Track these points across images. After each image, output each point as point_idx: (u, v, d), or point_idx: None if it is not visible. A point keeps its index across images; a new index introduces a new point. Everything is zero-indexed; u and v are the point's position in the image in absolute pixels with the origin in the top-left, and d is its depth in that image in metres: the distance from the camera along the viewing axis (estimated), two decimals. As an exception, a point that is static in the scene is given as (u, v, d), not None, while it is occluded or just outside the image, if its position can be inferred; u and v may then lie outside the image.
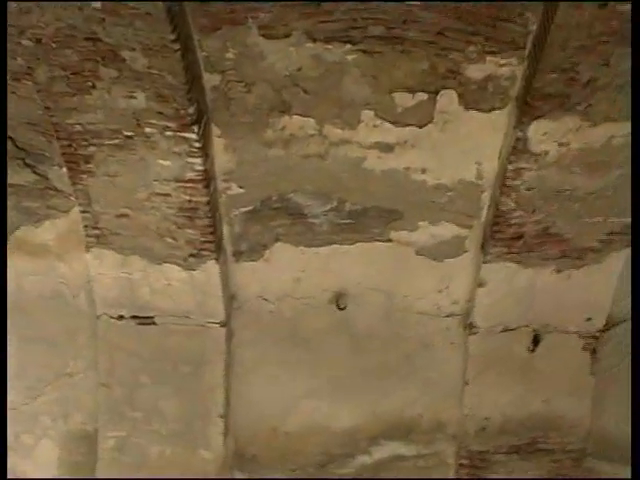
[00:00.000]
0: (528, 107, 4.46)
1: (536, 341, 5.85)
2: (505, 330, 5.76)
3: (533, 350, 5.89)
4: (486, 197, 5.15)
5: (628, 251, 5.44)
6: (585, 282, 5.56)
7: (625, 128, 4.62)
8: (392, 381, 6.09)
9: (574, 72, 4.23)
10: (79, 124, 4.72)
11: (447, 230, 5.35)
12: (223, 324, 5.67)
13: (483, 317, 5.69)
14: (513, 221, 5.10)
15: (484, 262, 5.36)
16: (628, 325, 6.07)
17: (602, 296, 5.71)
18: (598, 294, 5.69)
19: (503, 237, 5.20)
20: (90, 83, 4.48)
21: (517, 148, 4.67)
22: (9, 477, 5.63)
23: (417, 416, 6.26)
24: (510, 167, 4.78)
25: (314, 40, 4.39)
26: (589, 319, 5.81)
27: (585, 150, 4.73)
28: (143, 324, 5.68)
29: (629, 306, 5.99)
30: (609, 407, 6.01)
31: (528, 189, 4.91)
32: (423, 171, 5.03)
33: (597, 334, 5.91)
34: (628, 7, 3.94)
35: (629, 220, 5.22)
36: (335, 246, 5.42)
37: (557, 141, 4.64)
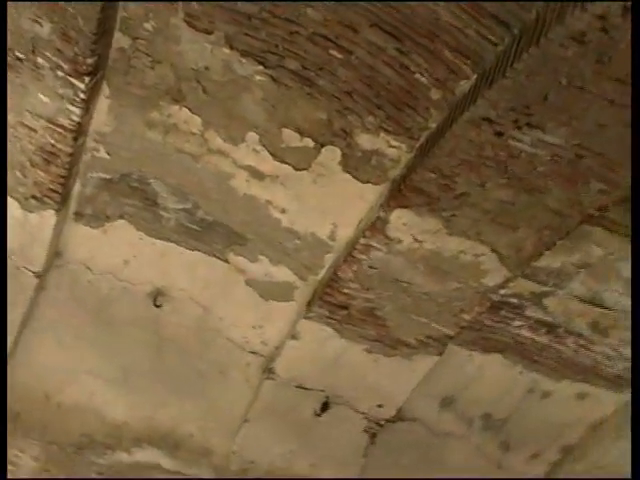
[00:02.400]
0: (399, 194, 4.55)
1: (324, 407, 5.94)
2: (299, 387, 5.81)
3: (319, 415, 5.98)
4: (330, 258, 5.23)
5: (438, 359, 5.62)
6: (389, 371, 5.68)
7: (476, 249, 4.80)
8: (179, 393, 6.06)
9: (451, 181, 4.36)
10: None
11: (283, 274, 5.39)
12: (38, 275, 5.51)
13: (284, 368, 5.73)
14: (346, 290, 5.18)
15: (305, 317, 5.41)
16: (412, 425, 6.28)
17: (400, 390, 5.85)
18: (397, 387, 5.83)
19: (331, 301, 5.27)
20: (1, -6, 4.33)
21: (375, 226, 4.76)
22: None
23: (189, 435, 6.25)
24: (362, 241, 4.86)
25: (232, 47, 4.37)
26: (380, 406, 5.94)
27: (435, 254, 4.86)
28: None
29: (421, 408, 6.20)
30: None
31: (370, 267, 5.00)
32: (282, 211, 5.07)
33: (382, 422, 6.05)
34: (522, 145, 4.12)
35: (451, 332, 5.43)
36: (174, 245, 5.37)
37: (413, 235, 4.75)
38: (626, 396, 6.09)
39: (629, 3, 3.36)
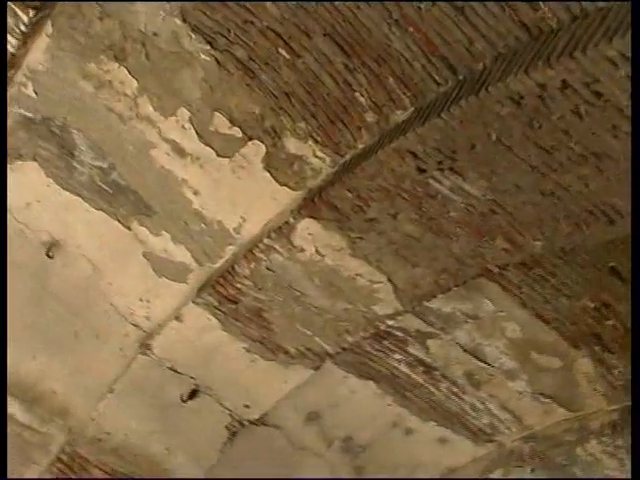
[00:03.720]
0: (312, 204, 4.57)
1: (192, 395, 5.91)
2: (172, 369, 5.77)
3: (185, 401, 5.94)
4: (231, 250, 5.21)
5: (313, 373, 5.65)
6: (263, 375, 5.69)
7: (374, 275, 4.85)
8: (51, 349, 5.95)
9: (365, 204, 4.40)
10: None
11: (181, 254, 5.34)
12: None
13: (161, 347, 5.68)
14: (238, 285, 5.16)
15: (193, 302, 5.38)
16: (274, 432, 6.28)
17: (269, 395, 5.87)
18: (267, 391, 5.84)
19: (222, 292, 5.25)
20: None
21: (282, 230, 4.76)
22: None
23: (51, 391, 6.14)
24: (266, 241, 4.86)
25: (184, 20, 4.33)
26: (247, 406, 5.95)
27: (333, 270, 4.89)
28: None
29: (286, 418, 6.22)
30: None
31: (268, 268, 5.00)
32: (195, 193, 5.03)
33: (245, 422, 6.05)
34: (440, 187, 4.19)
35: (332, 350, 5.48)
36: (80, 200, 5.26)
37: (317, 247, 4.78)
38: (483, 449, 6.23)
39: (570, 80, 3.46)
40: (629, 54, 3.27)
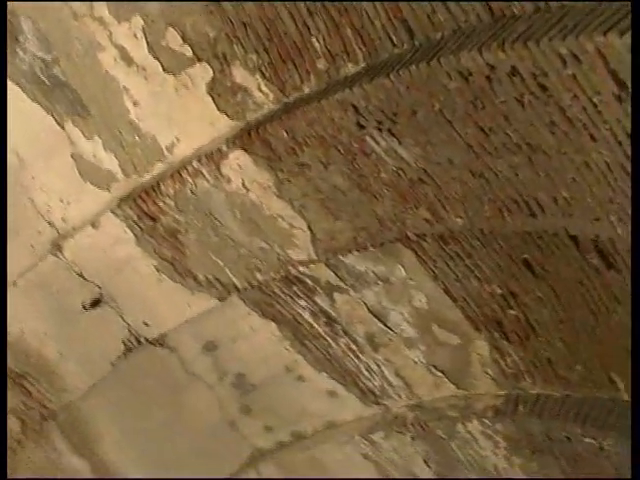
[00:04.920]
0: (248, 137, 4.57)
1: (94, 304, 5.89)
2: (79, 275, 5.74)
3: (86, 309, 5.92)
4: (159, 168, 5.15)
5: (218, 304, 5.70)
6: (168, 296, 5.72)
7: (295, 220, 4.89)
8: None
9: (299, 148, 4.43)
10: None
11: (109, 162, 5.25)
12: None
13: (72, 250, 5.64)
14: (160, 204, 5.14)
15: (112, 211, 5.34)
16: (169, 355, 6.31)
17: (171, 317, 5.91)
18: (169, 313, 5.88)
19: (142, 208, 5.22)
20: None
21: (213, 157, 4.75)
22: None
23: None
24: (195, 164, 4.85)
25: None
26: (146, 324, 5.96)
27: (256, 207, 4.92)
28: None
29: (184, 343, 6.24)
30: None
31: (192, 192, 4.99)
32: (135, 103, 4.94)
33: (142, 340, 6.07)
34: (376, 146, 4.22)
35: (240, 284, 5.51)
36: (18, 89, 5.08)
37: (243, 181, 4.79)
38: (369, 410, 6.34)
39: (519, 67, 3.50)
40: (581, 56, 3.33)
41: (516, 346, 5.41)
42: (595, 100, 3.43)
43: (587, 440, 5.34)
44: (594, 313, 4.78)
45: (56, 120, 5.22)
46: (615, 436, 5.17)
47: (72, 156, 5.35)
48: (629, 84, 3.25)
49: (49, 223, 5.69)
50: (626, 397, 5.10)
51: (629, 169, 3.61)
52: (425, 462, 6.33)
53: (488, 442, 5.91)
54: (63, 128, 5.25)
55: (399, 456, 6.36)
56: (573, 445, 5.45)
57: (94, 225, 5.46)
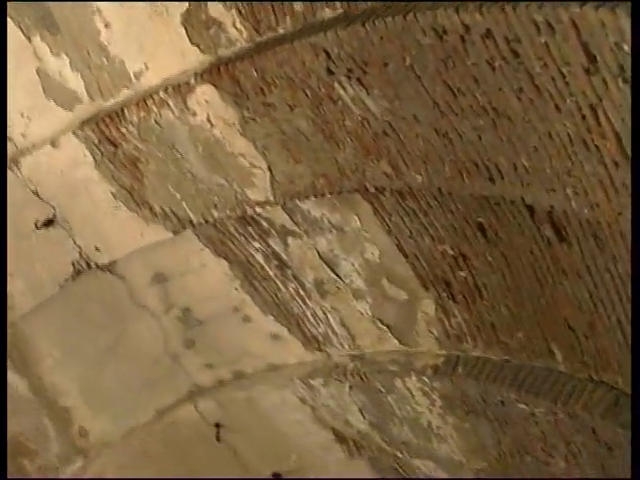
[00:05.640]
0: (217, 72, 4.51)
1: (47, 224, 5.84)
2: (34, 193, 5.66)
3: (39, 228, 5.87)
4: (125, 94, 4.99)
5: (171, 236, 5.72)
6: (122, 224, 5.69)
7: (256, 160, 4.87)
8: None
9: (268, 88, 4.39)
10: None
11: (75, 83, 5.14)
12: None
13: (29, 167, 5.55)
14: (123, 130, 5.05)
15: (73, 133, 5.26)
16: (117, 283, 6.30)
17: (123, 245, 5.88)
18: (122, 241, 5.84)
19: (104, 132, 5.13)
20: None
21: (180, 88, 4.70)
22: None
23: None
24: (162, 94, 4.77)
25: None
26: (98, 249, 5.94)
27: (218, 143, 4.87)
28: None
29: (134, 272, 6.24)
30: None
31: (156, 122, 4.92)
32: (106, 25, 4.82)
33: (92, 264, 6.04)
34: (343, 93, 4.20)
35: (195, 219, 5.51)
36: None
37: (209, 116, 4.75)
38: (311, 356, 6.41)
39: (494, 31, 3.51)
40: (555, 25, 3.34)
41: (462, 308, 5.48)
42: (564, 70, 3.45)
43: (520, 406, 5.45)
44: (541, 284, 4.85)
45: (24, 32, 5.11)
46: (547, 404, 5.29)
47: (37, 71, 5.25)
48: (599, 58, 3.28)
49: (8, 138, 5.62)
50: (562, 368, 5.21)
51: (590, 144, 3.66)
52: (361, 412, 6.42)
53: (424, 399, 6.00)
54: (30, 41, 5.14)
55: (336, 403, 6.45)
56: (506, 409, 5.56)
57: (54, 144, 5.39)
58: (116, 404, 6.78)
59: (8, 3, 5.01)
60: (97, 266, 6.05)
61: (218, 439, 6.99)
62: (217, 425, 6.96)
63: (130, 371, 6.70)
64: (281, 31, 4.37)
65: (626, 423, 4.89)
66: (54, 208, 5.78)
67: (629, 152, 3.50)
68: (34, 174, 5.61)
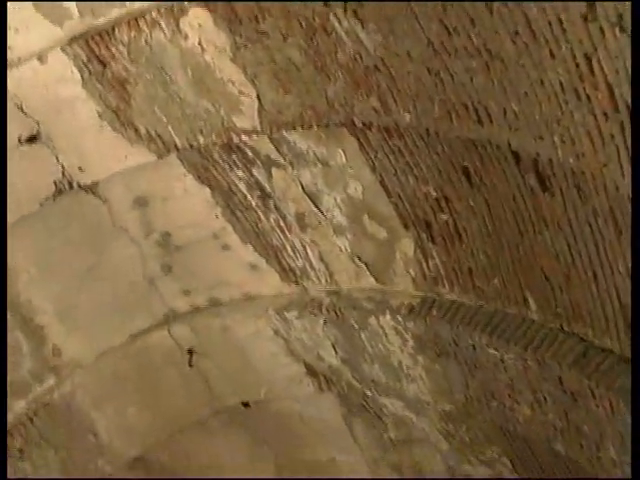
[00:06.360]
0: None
1: (30, 140, 5.76)
2: (19, 108, 5.56)
3: (22, 143, 5.79)
4: (117, 13, 4.87)
5: (154, 160, 5.68)
6: (106, 144, 5.65)
7: (245, 87, 4.83)
8: None
9: (261, 15, 4.28)
10: None
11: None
12: None
13: (15, 83, 5.35)
14: (113, 50, 4.93)
15: (62, 49, 5.14)
16: (99, 204, 6.27)
17: (105, 167, 5.85)
18: (104, 162, 5.82)
19: (94, 50, 4.98)
20: None
21: (173, 10, 4.57)
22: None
23: None
24: (154, 14, 4.69)
25: None
26: (81, 169, 5.90)
27: (208, 68, 4.77)
28: None
29: (116, 194, 6.20)
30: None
31: (147, 43, 4.81)
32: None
33: (74, 185, 6.00)
34: (338, 26, 4.15)
35: (180, 144, 5.46)
36: None
37: (200, 40, 4.64)
38: (287, 288, 6.44)
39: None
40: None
41: (440, 250, 5.51)
42: (562, 17, 3.42)
43: (491, 351, 5.52)
44: (521, 232, 4.88)
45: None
46: (517, 351, 5.36)
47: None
48: (598, 5, 3.25)
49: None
50: (535, 317, 5.27)
51: (581, 93, 3.65)
52: (333, 347, 6.48)
53: (397, 338, 6.06)
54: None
55: (309, 337, 6.50)
56: (477, 353, 5.63)
57: (40, 59, 5.29)
58: (91, 326, 6.80)
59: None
60: (79, 186, 6.00)
61: (190, 365, 7.04)
62: (190, 351, 7.00)
63: (107, 294, 6.71)
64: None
65: (592, 375, 4.98)
66: (38, 124, 5.71)
67: (619, 104, 3.50)
68: (19, 88, 5.52)
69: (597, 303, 4.73)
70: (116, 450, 7.23)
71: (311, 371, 6.90)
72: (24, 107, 5.62)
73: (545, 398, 5.46)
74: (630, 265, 4.24)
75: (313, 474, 8.02)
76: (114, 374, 7.00)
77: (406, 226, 5.53)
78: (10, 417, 6.63)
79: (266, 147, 5.43)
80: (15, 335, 6.55)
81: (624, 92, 3.40)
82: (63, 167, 5.93)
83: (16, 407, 6.68)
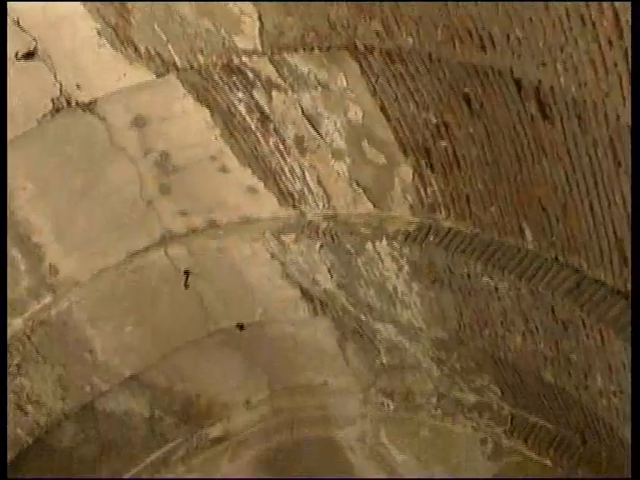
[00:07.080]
0: None
1: (28, 56, 5.68)
2: (16, 23, 5.43)
3: (19, 59, 5.70)
4: None
5: (154, 78, 5.61)
6: (105, 63, 5.58)
7: (246, 9, 4.76)
8: None
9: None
10: None
11: None
12: None
13: None
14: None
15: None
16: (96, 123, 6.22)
17: (105, 84, 5.79)
18: (104, 81, 5.75)
19: None
20: None
21: None
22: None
23: None
24: None
25: None
26: (79, 87, 5.84)
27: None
28: None
29: (113, 112, 6.15)
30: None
31: None
32: None
33: (72, 103, 5.93)
34: None
35: (180, 63, 5.39)
36: None
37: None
38: (285, 212, 6.44)
39: None
40: None
41: (439, 177, 5.50)
42: (570, -60, 3.37)
43: (485, 279, 5.56)
44: (520, 161, 4.87)
45: None
46: (511, 280, 5.40)
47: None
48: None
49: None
50: (530, 247, 5.30)
51: (587, 19, 3.60)
52: (329, 271, 6.51)
53: (393, 264, 6.09)
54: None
55: (305, 261, 6.53)
56: (471, 282, 5.68)
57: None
58: (88, 245, 6.82)
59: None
60: (77, 104, 5.93)
61: (186, 285, 7.08)
62: (186, 272, 7.03)
63: (104, 213, 6.71)
64: None
65: (585, 305, 5.03)
66: (35, 40, 5.63)
67: (624, 31, 3.45)
68: (16, 3, 5.43)
69: (593, 235, 4.75)
70: (111, 367, 7.32)
71: (306, 295, 6.94)
72: (21, 23, 5.51)
73: (537, 327, 5.52)
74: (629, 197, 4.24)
75: (305, 396, 8.14)
76: (110, 293, 7.04)
77: (405, 152, 5.51)
78: (8, 334, 6.70)
79: (267, 69, 5.36)
80: (12, 253, 6.57)
81: (630, 18, 3.35)
82: (61, 84, 5.85)
83: (14, 324, 6.75)
